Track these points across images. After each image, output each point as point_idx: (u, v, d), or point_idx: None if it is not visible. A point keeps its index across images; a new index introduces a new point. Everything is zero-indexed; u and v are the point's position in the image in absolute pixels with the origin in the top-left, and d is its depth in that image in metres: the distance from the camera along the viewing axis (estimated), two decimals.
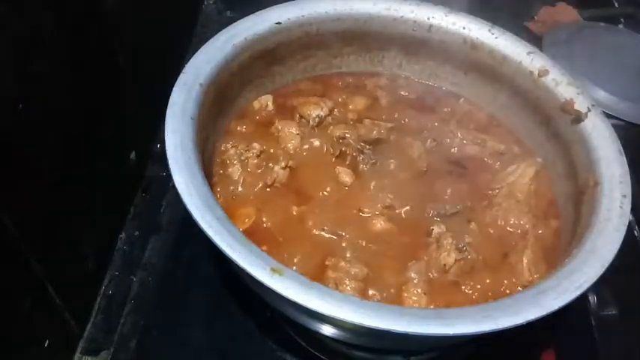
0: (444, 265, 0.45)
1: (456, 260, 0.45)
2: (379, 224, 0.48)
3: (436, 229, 0.47)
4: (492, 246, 0.48)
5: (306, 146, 0.52)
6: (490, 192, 0.52)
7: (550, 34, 0.80)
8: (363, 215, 0.49)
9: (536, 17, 0.85)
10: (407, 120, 0.57)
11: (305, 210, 0.48)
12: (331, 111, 0.56)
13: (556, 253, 0.47)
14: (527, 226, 0.49)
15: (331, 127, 0.54)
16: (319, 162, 0.52)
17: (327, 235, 0.47)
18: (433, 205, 0.50)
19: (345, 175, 0.51)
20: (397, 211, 0.49)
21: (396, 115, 0.57)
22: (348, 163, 0.52)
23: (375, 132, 0.54)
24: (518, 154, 0.56)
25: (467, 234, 0.48)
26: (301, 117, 0.55)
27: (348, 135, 0.53)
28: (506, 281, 0.46)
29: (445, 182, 0.52)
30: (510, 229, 0.49)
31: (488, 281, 0.45)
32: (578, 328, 0.54)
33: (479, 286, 0.45)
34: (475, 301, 0.44)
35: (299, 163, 0.51)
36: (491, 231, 0.49)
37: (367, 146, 0.53)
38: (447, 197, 0.51)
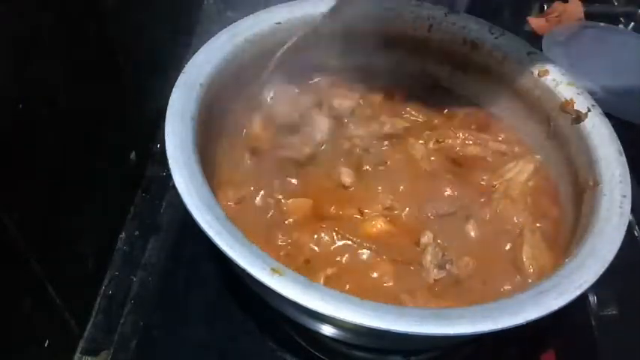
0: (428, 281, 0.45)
1: (434, 280, 0.45)
2: (378, 225, 0.48)
3: (423, 239, 0.47)
4: (491, 243, 0.48)
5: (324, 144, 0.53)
6: (489, 189, 0.52)
7: (550, 34, 0.79)
8: (363, 216, 0.49)
9: (546, 8, 0.85)
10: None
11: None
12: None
13: (560, 242, 0.47)
14: (524, 222, 0.49)
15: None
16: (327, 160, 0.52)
17: (325, 237, 0.47)
18: (432, 204, 0.50)
19: (346, 176, 0.51)
20: (397, 212, 0.49)
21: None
22: (352, 162, 0.52)
23: (388, 126, 0.55)
24: (519, 154, 0.56)
25: (460, 237, 0.48)
26: (330, 108, 0.55)
27: (360, 133, 0.54)
28: (506, 278, 0.46)
29: (446, 182, 0.52)
30: (509, 227, 0.49)
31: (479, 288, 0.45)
32: (578, 328, 0.54)
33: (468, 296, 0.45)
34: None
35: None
36: (490, 229, 0.49)
37: (373, 145, 0.53)
38: (447, 196, 0.51)
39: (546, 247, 0.47)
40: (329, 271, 0.45)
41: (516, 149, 0.56)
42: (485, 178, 0.53)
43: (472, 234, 0.48)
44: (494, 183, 0.52)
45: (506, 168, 0.53)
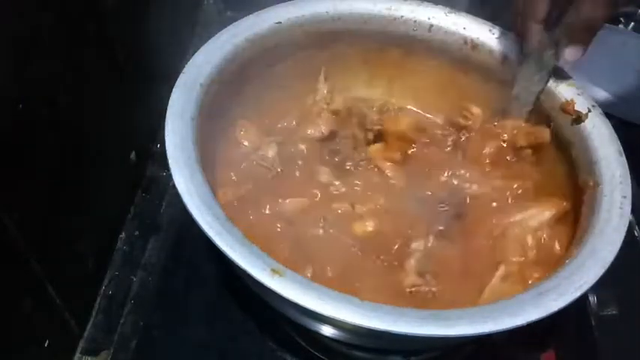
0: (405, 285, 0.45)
1: (414, 285, 0.45)
2: (369, 228, 0.48)
3: (414, 245, 0.47)
4: (471, 269, 0.47)
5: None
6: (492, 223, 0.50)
7: None
8: (351, 216, 0.49)
9: None
10: None
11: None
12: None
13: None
14: (513, 261, 0.47)
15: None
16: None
17: (319, 236, 0.47)
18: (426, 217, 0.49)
19: (324, 175, 0.50)
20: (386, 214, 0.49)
21: None
22: (337, 160, 0.52)
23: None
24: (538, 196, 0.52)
25: (446, 255, 0.47)
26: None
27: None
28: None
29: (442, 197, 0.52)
30: (494, 260, 0.47)
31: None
32: (578, 328, 0.54)
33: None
34: None
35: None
36: (477, 253, 0.48)
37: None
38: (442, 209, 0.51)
39: (514, 285, 0.45)
40: (318, 266, 0.45)
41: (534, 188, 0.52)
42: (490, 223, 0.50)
43: (458, 254, 0.48)
44: (500, 221, 0.49)
45: (517, 210, 0.50)
